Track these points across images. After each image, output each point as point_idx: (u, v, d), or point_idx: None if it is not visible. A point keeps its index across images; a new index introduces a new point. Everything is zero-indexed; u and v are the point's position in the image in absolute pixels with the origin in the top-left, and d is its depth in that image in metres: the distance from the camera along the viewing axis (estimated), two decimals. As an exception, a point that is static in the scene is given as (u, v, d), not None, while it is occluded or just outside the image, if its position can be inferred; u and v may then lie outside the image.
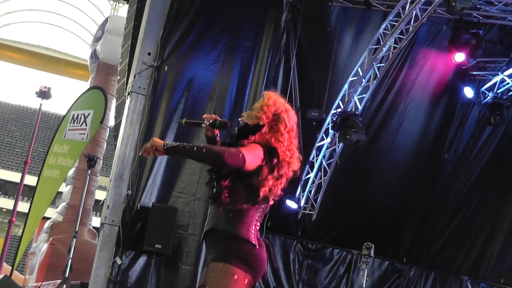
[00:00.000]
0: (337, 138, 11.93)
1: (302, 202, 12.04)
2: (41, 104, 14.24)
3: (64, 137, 12.51)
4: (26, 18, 43.39)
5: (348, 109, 11.67)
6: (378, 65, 11.57)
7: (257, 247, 4.07)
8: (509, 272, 13.95)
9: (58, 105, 34.35)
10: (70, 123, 12.43)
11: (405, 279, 13.00)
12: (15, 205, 14.15)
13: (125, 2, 20.15)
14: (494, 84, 12.95)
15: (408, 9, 11.06)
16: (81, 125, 12.17)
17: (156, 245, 9.71)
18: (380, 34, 11.50)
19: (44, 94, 13.72)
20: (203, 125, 4.31)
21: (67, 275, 9.43)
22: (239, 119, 4.39)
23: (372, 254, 11.19)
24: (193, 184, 10.36)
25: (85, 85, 19.43)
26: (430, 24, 12.47)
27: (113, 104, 14.35)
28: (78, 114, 12.36)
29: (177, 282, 10.13)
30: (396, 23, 11.27)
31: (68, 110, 12.87)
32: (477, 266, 13.70)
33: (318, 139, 12.01)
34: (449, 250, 13.51)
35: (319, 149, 12.07)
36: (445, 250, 13.48)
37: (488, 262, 13.78)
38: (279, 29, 11.25)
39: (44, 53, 41.50)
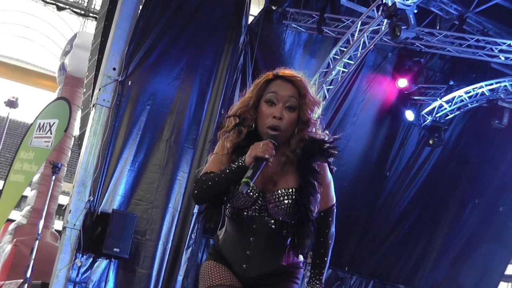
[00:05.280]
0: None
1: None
2: (8, 113, 14.05)
3: (30, 144, 12.34)
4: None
5: (299, 127, 11.69)
6: (328, 87, 11.63)
7: None
8: (442, 283, 14.14)
9: (26, 114, 33.89)
10: (36, 131, 12.27)
11: (346, 286, 13.08)
12: (-19, 207, 13.90)
13: (93, 19, 20.01)
14: (433, 108, 13.15)
15: (357, 36, 11.18)
16: (46, 133, 12.02)
17: (115, 249, 9.60)
18: (330, 59, 11.57)
19: (11, 103, 13.53)
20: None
21: (28, 275, 9.30)
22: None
23: (316, 263, 11.19)
24: (151, 192, 10.29)
25: (53, 95, 19.17)
26: (377, 51, 12.66)
27: (78, 114, 14.18)
28: (44, 123, 12.21)
29: (134, 285, 10.03)
30: (345, 49, 11.37)
31: (35, 119, 12.71)
32: (413, 276, 13.85)
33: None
34: (388, 261, 13.63)
35: (271, 163, 12.06)
36: (384, 261, 13.59)
37: (423, 273, 13.94)
38: (237, 50, 11.25)
39: (15, 64, 40.95)
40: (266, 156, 2.97)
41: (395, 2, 10.08)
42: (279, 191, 3.15)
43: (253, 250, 3.19)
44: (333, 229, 3.31)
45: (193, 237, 10.43)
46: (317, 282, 3.22)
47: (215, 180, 3.09)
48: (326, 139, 3.25)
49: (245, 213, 3.17)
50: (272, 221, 3.15)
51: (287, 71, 3.28)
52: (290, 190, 3.14)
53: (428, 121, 13.22)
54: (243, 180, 2.93)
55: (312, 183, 3.15)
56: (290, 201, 3.12)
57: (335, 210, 3.33)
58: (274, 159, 3.04)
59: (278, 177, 3.18)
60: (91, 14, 20.82)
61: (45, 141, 12.06)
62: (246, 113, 3.25)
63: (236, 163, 3.08)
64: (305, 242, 3.17)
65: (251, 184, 2.93)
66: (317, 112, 3.28)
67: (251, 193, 3.12)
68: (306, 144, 3.20)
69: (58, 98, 14.18)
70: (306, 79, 3.28)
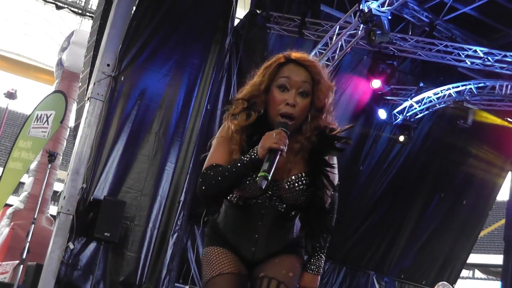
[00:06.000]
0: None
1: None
2: (8, 104, 13.90)
3: (28, 134, 12.25)
4: (1, 27, 42.50)
5: (279, 124, 11.67)
6: (307, 86, 11.61)
7: None
8: (408, 269, 14.26)
9: (24, 105, 33.68)
10: (34, 122, 12.18)
11: (320, 272, 13.08)
12: (-19, 192, 13.76)
13: (90, 18, 19.87)
14: (404, 108, 13.21)
15: (335, 40, 11.21)
16: (43, 124, 11.93)
17: (105, 233, 9.58)
18: (310, 60, 11.55)
19: (11, 95, 13.38)
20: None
21: (24, 257, 9.24)
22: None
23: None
24: (141, 181, 10.27)
25: (50, 88, 19.03)
26: (353, 54, 12.66)
27: (74, 107, 14.10)
28: (41, 114, 12.11)
29: (122, 267, 10.01)
30: (324, 51, 11.41)
31: (33, 110, 12.62)
32: (382, 263, 13.93)
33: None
34: (359, 249, 13.68)
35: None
36: (356, 248, 13.64)
37: (391, 260, 14.01)
38: (223, 51, 11.24)
39: (16, 59, 40.68)
40: (281, 147, 2.63)
41: (371, 9, 10.10)
42: (292, 177, 2.86)
43: (260, 233, 2.91)
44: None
45: (178, 223, 10.42)
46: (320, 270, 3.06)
47: (225, 175, 2.73)
48: (337, 129, 2.97)
49: (254, 200, 2.88)
50: (284, 205, 2.89)
51: (299, 54, 2.91)
52: (302, 174, 2.87)
53: (399, 119, 13.29)
54: (261, 174, 2.59)
55: (325, 175, 2.93)
56: (303, 186, 2.86)
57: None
58: (287, 146, 2.68)
59: (290, 164, 2.87)
60: (87, 14, 20.71)
61: (42, 131, 11.97)
62: (256, 97, 2.86)
63: (248, 155, 2.71)
64: (320, 231, 3.04)
65: (269, 177, 2.59)
66: (331, 97, 2.93)
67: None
68: (320, 135, 2.92)
69: (55, 91, 14.08)
70: (319, 63, 2.95)
